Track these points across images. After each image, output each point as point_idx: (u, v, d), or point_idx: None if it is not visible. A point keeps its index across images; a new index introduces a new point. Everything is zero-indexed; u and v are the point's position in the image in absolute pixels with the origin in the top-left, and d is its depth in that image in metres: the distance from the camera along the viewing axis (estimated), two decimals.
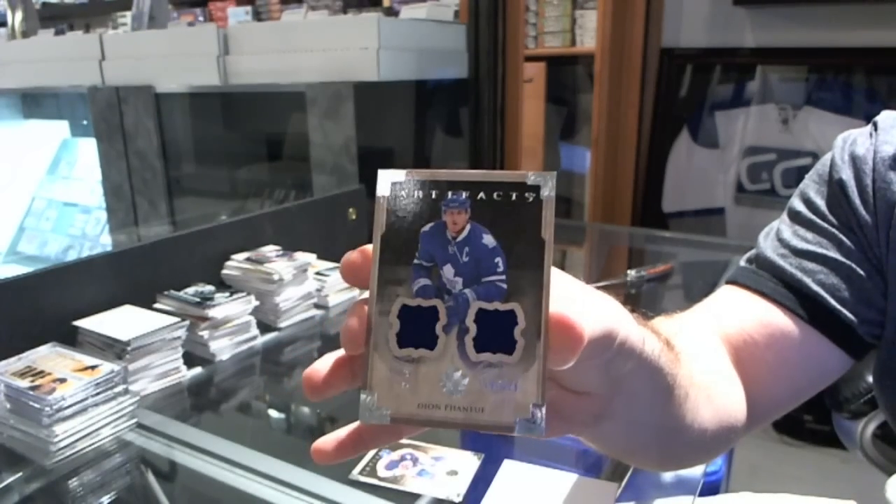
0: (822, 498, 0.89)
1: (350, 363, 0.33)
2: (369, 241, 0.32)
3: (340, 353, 0.34)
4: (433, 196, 0.31)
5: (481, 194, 0.31)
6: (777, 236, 0.58)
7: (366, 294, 0.31)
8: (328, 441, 0.35)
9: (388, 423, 0.30)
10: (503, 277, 0.30)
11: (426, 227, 0.31)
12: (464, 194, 0.31)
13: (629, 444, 0.44)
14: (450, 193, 0.31)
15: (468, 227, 0.30)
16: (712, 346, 0.54)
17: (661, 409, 0.42)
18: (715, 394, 0.49)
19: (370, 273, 0.31)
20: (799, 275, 0.55)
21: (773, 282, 0.56)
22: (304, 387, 0.33)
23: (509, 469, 0.68)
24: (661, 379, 0.39)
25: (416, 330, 0.30)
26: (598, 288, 0.34)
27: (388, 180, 0.32)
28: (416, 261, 0.31)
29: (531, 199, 0.30)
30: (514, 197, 0.30)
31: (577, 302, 0.30)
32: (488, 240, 0.30)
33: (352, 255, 0.32)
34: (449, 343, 0.30)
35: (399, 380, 0.30)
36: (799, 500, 0.90)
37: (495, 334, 0.29)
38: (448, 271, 0.30)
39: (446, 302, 0.30)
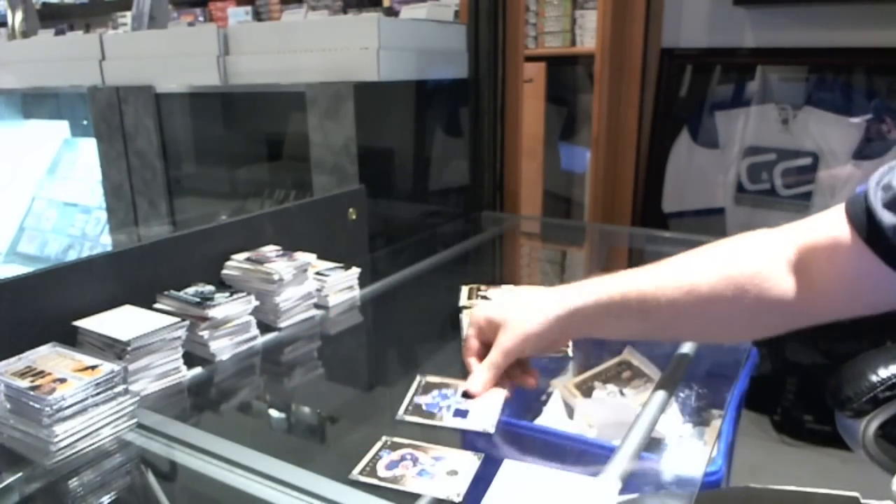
0: (825, 489, 0.89)
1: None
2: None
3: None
4: None
5: None
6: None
7: None
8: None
9: None
10: None
11: None
12: None
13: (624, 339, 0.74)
14: None
15: None
16: (757, 258, 0.68)
17: (628, 333, 0.78)
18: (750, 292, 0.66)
19: None
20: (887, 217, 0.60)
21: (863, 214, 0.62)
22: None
23: (509, 469, 0.68)
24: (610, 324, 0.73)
25: None
26: None
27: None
28: None
29: None
30: None
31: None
32: None
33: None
34: None
35: None
36: (801, 491, 0.90)
37: None
38: None
39: None
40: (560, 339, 0.78)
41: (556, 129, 3.12)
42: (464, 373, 0.93)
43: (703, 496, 0.69)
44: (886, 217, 0.59)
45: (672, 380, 0.87)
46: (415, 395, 0.86)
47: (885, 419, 1.01)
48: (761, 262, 0.67)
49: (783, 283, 0.66)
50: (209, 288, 1.06)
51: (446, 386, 0.87)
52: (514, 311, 0.77)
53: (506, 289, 1.21)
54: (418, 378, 0.89)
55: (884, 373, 0.89)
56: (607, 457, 0.71)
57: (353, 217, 1.45)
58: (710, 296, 0.68)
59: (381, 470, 0.71)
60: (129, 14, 2.59)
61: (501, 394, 0.77)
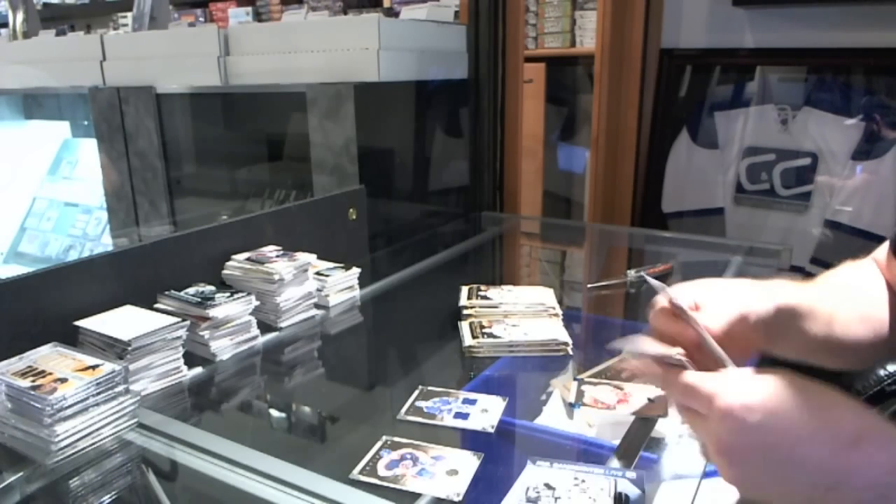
0: None
1: None
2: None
3: None
4: None
5: None
6: None
7: None
8: None
9: None
10: None
11: None
12: None
13: (797, 354, 0.68)
14: None
15: None
16: (868, 281, 0.76)
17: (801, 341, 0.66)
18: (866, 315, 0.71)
19: None
20: None
21: None
22: None
23: (533, 472, 0.68)
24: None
25: None
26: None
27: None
28: None
29: None
30: None
31: None
32: None
33: None
34: None
35: None
36: None
37: None
38: None
39: None
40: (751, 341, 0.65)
41: (556, 129, 3.12)
42: (462, 380, 0.94)
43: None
44: None
45: None
46: (416, 400, 0.87)
47: (893, 411, 1.03)
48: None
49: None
50: (210, 288, 1.06)
51: (447, 395, 0.88)
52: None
53: (506, 289, 1.21)
54: (420, 388, 0.90)
55: (891, 367, 0.91)
56: (607, 456, 0.72)
57: (354, 217, 1.46)
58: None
59: (381, 469, 0.71)
60: (129, 15, 2.60)
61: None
